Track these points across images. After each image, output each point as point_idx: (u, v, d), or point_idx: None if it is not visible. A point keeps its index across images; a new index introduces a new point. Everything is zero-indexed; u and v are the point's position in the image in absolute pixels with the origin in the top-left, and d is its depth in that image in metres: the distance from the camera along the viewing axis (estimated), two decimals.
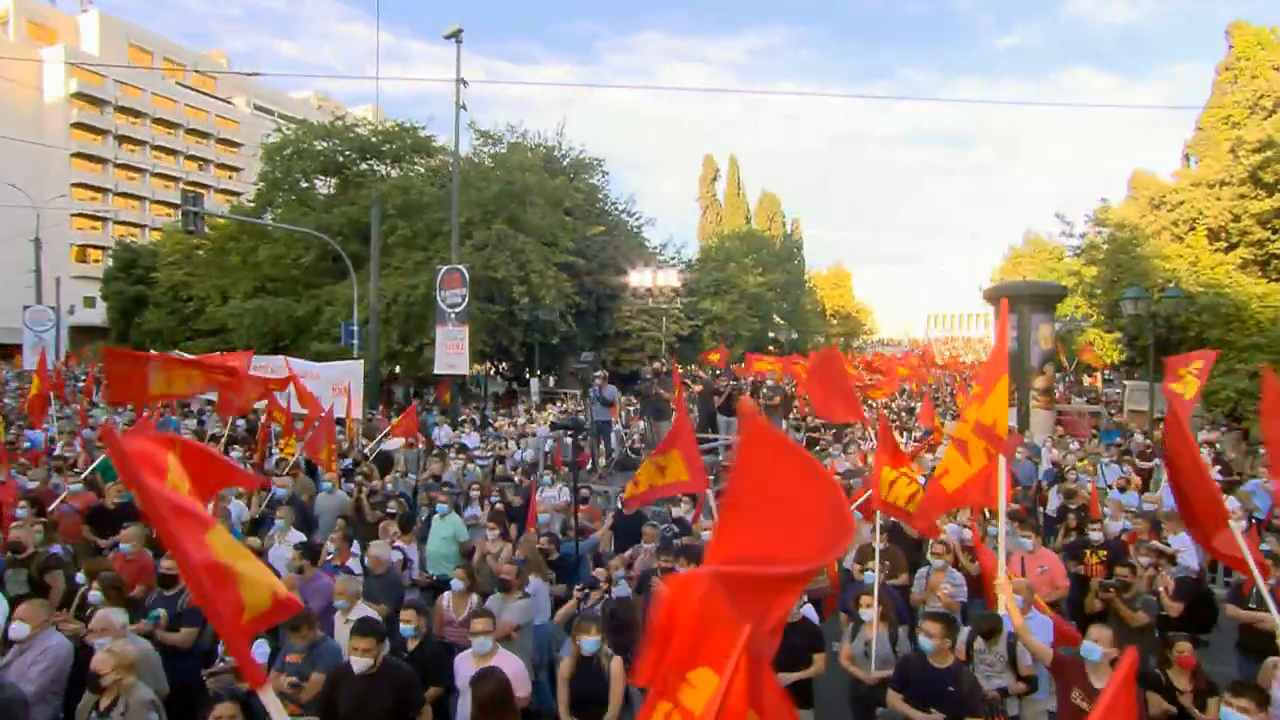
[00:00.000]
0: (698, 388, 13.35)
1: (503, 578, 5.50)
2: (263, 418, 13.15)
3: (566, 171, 26.62)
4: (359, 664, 4.08)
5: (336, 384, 14.46)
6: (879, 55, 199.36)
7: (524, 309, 21.63)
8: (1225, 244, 18.13)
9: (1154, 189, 19.82)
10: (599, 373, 11.81)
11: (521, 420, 19.54)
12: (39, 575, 6.51)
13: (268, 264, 24.98)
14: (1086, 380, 33.46)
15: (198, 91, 64.27)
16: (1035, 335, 15.86)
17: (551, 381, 28.14)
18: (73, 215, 56.79)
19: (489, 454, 14.47)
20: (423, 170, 27.30)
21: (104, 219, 59.55)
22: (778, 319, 49.39)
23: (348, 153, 26.48)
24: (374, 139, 26.15)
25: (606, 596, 5.51)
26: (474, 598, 5.46)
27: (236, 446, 11.76)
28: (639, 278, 24.46)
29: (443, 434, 16.46)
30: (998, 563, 4.71)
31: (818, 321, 58.87)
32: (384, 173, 26.62)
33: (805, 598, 5.46)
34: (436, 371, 19.76)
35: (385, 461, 11.52)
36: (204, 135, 65.16)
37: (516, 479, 10.89)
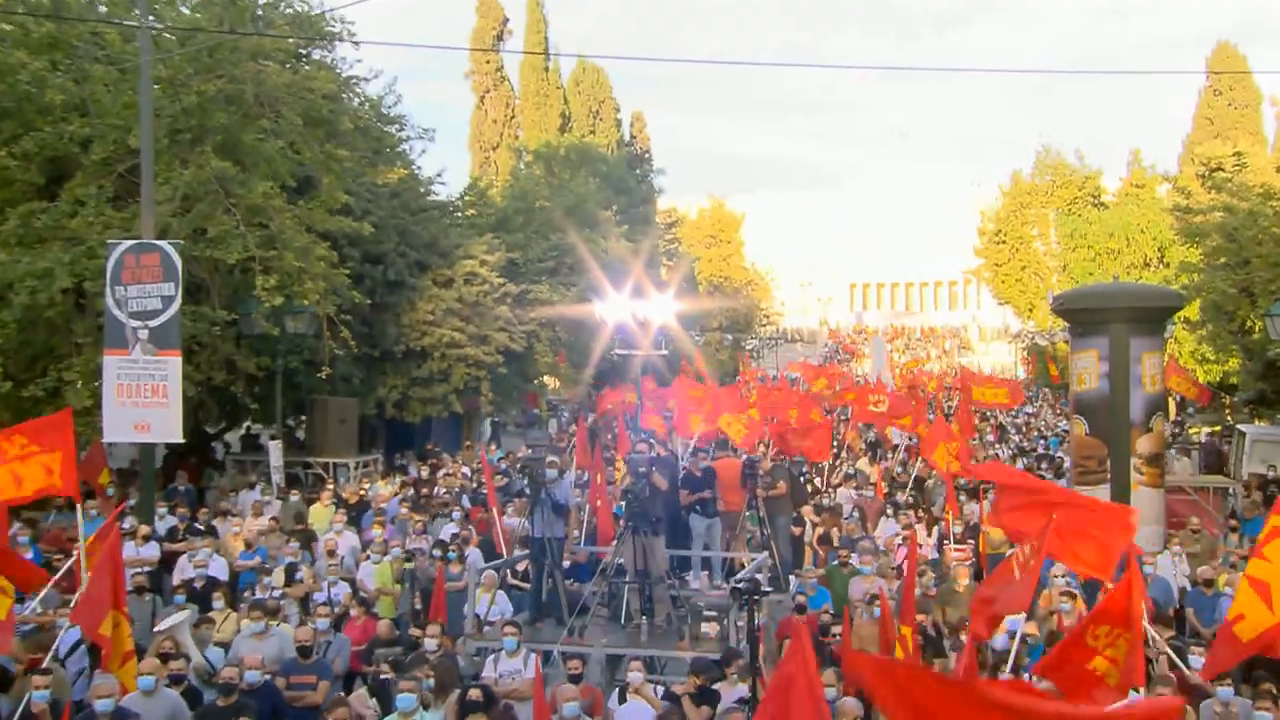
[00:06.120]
0: (657, 478, 15.36)
1: None
2: None
3: (292, 48, 27.27)
4: None
5: None
6: None
7: (266, 314, 22.44)
8: None
9: None
10: (551, 462, 13.68)
11: (256, 522, 20.35)
12: None
13: None
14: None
15: None
16: (1137, 371, 19.60)
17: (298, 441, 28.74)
18: None
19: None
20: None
21: None
22: None
23: None
24: None
25: None
26: None
27: None
28: (604, 309, 26.07)
29: (145, 554, 17.25)
30: None
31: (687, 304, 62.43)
32: None
33: None
34: (110, 439, 20.12)
35: None
36: None
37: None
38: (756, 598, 8.08)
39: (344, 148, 24.60)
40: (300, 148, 23.80)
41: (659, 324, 29.97)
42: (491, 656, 11.78)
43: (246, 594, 15.80)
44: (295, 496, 22.32)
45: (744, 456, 18.00)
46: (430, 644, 12.24)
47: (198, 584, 15.46)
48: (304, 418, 29.10)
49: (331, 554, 17.22)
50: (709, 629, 12.87)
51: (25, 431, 13.23)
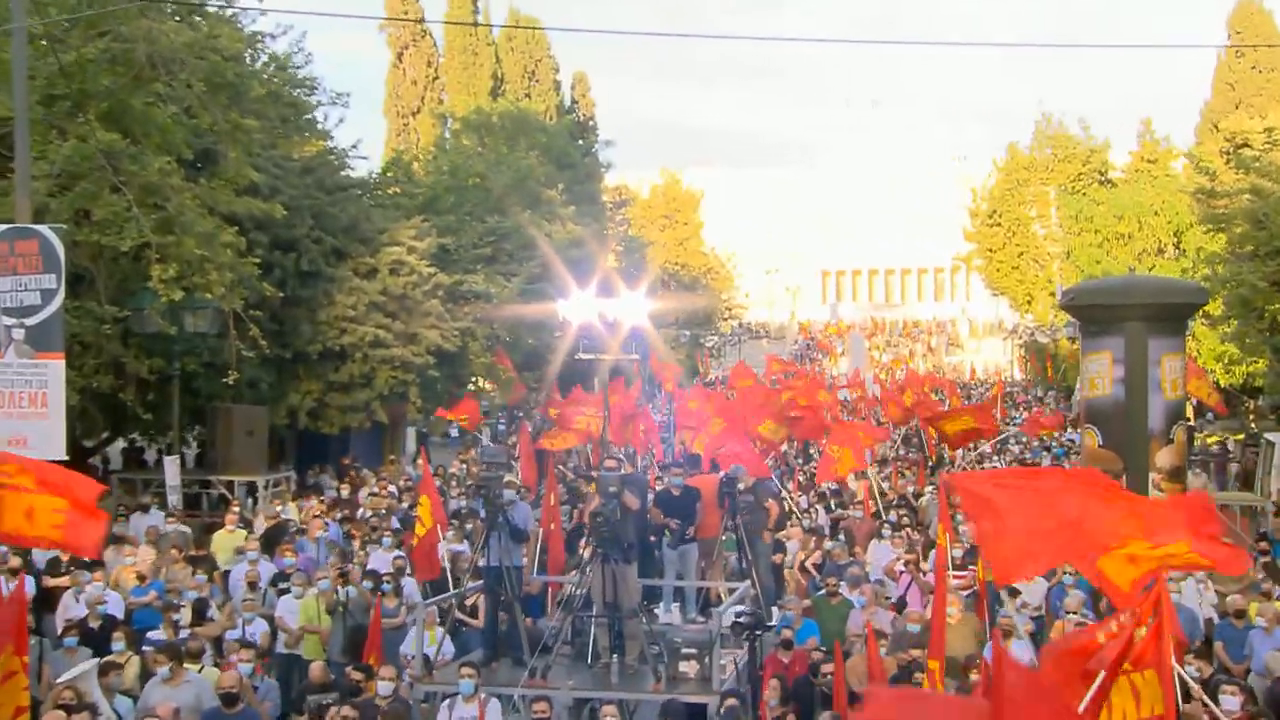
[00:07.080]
0: (629, 498, 15.42)
1: None
2: None
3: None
4: None
5: None
6: None
7: (162, 310, 22.28)
8: None
9: None
10: (509, 481, 13.77)
11: (152, 550, 20.21)
12: None
13: None
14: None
15: None
16: (1156, 376, 19.98)
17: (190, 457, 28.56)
18: None
19: None
20: None
21: None
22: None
23: None
24: None
25: None
26: None
27: None
28: (567, 307, 26.04)
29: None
30: None
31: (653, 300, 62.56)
32: None
33: None
34: None
35: None
36: None
37: None
38: (759, 632, 8.23)
39: (251, 115, 24.44)
40: (198, 114, 23.65)
41: (631, 324, 29.89)
42: (445, 702, 11.85)
43: (159, 633, 15.43)
44: (173, 525, 22.03)
45: (721, 474, 18.06)
46: (384, 687, 12.22)
47: (92, 623, 15.37)
48: (201, 429, 28.87)
49: (253, 586, 17.27)
50: (688, 668, 12.92)
51: None
